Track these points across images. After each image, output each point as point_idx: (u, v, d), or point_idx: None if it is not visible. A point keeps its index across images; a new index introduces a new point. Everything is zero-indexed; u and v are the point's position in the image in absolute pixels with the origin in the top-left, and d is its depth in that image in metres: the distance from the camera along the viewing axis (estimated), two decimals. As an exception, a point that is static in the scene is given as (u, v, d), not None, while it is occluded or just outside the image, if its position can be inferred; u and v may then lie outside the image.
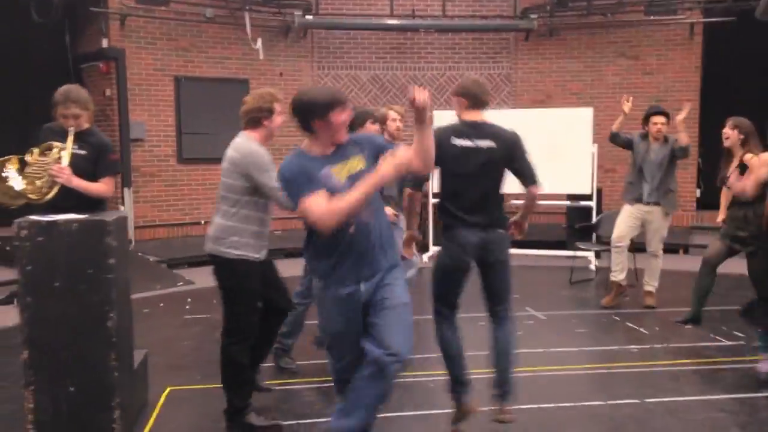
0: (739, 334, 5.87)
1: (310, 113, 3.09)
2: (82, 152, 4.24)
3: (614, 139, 6.97)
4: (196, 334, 6.34)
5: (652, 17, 10.91)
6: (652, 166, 6.73)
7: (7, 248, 8.65)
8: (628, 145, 6.94)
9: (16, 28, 9.83)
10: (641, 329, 6.17)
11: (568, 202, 9.78)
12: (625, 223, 6.86)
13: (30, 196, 4.10)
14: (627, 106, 6.87)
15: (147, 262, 9.09)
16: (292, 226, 10.89)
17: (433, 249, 9.62)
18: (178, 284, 8.37)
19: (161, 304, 7.39)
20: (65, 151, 4.13)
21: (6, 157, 4.24)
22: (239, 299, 3.92)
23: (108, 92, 10.05)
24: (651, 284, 6.96)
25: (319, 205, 2.99)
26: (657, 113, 6.81)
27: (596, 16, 10.95)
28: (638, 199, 6.81)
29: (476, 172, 3.84)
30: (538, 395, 4.56)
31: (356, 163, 3.17)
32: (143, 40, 10.12)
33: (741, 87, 10.87)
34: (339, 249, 3.13)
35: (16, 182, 4.14)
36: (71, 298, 3.76)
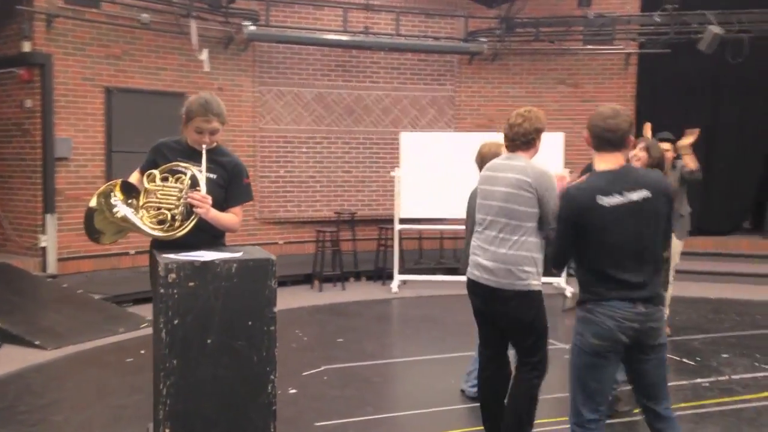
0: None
1: None
2: (212, 176, 3.42)
3: None
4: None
5: (589, 46, 11.24)
6: None
7: None
8: None
9: None
10: (684, 360, 6.10)
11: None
12: None
13: (156, 233, 3.23)
14: (649, 131, 6.88)
15: (91, 300, 7.85)
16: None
17: (399, 278, 9.17)
18: (142, 326, 7.26)
19: (142, 351, 6.33)
20: (200, 174, 3.31)
21: (111, 183, 3.34)
22: (545, 332, 3.66)
23: (29, 103, 8.69)
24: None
25: None
26: (662, 140, 6.87)
27: (537, 42, 11.10)
28: None
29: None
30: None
31: None
32: (71, 45, 8.86)
33: (673, 115, 11.41)
34: None
35: (131, 214, 3.25)
36: (227, 357, 2.99)
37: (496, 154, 4.69)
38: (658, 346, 3.14)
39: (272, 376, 3.06)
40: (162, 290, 2.87)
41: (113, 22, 9.15)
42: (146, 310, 7.83)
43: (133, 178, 3.62)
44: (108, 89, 9.20)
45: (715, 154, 11.44)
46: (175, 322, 2.89)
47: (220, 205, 3.42)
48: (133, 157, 9.42)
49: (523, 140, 3.63)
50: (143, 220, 3.23)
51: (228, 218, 3.45)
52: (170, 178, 3.33)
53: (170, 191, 3.26)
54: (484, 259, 3.59)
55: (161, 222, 3.24)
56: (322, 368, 5.82)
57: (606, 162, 3.17)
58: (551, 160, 8.97)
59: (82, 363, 6.01)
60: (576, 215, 3.12)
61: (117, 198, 3.26)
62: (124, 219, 3.24)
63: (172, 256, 3.01)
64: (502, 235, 3.55)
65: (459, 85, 11.38)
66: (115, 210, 3.24)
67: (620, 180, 3.11)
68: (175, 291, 2.89)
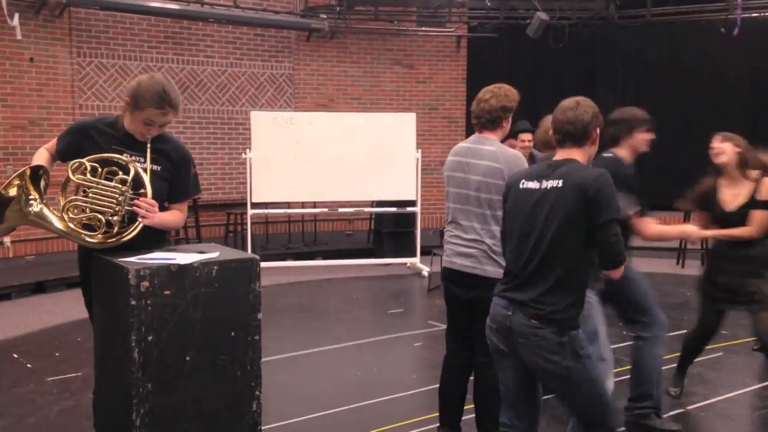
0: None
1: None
2: (156, 167, 2.84)
3: None
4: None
5: (424, 28, 11.37)
6: None
7: None
8: None
9: None
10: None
11: (376, 209, 9.62)
12: None
13: (87, 240, 2.63)
14: None
15: None
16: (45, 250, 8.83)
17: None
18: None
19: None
20: (144, 173, 2.74)
21: (22, 172, 2.65)
22: None
23: None
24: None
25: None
26: (524, 131, 6.95)
27: (375, 22, 11.00)
28: None
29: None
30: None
31: None
32: None
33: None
34: None
35: (52, 215, 2.62)
36: (208, 376, 2.52)
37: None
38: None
39: (257, 392, 2.64)
40: (133, 302, 2.33)
41: None
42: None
43: (40, 158, 2.92)
44: None
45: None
46: (149, 338, 2.36)
47: (163, 199, 2.89)
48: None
49: (488, 118, 3.44)
50: (69, 224, 2.62)
51: (174, 218, 2.94)
52: (99, 171, 2.72)
53: (106, 191, 2.67)
54: (465, 247, 3.39)
55: (89, 227, 2.65)
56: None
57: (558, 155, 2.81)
58: (404, 141, 8.99)
59: None
60: (505, 194, 2.91)
61: (30, 191, 2.62)
62: (41, 216, 2.60)
63: (134, 260, 2.46)
64: (481, 226, 3.36)
65: (297, 63, 10.96)
66: (31, 203, 2.60)
67: (551, 168, 2.73)
68: (149, 302, 2.36)
